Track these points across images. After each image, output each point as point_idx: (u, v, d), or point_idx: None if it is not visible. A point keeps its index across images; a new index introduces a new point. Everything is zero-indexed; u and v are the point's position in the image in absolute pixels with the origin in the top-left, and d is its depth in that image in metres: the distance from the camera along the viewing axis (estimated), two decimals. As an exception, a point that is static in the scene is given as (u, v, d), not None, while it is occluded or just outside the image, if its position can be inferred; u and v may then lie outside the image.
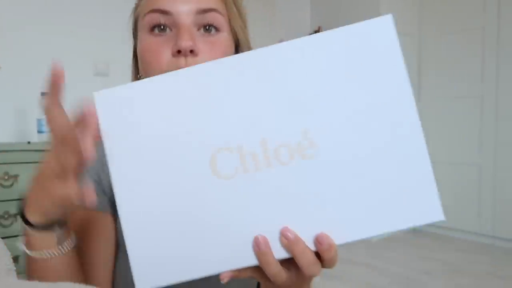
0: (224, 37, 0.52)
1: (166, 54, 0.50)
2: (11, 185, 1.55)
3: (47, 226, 0.41)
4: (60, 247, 0.42)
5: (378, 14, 2.97)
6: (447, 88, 2.99)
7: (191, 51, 0.48)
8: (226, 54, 0.52)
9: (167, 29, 0.51)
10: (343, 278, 2.13)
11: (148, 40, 0.52)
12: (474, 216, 2.82)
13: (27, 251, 0.43)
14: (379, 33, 0.34)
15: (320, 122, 0.32)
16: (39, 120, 1.81)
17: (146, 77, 0.52)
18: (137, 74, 0.61)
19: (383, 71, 0.33)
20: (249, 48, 0.58)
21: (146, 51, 0.52)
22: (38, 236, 0.41)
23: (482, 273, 2.21)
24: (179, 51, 0.48)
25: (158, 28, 0.51)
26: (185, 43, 0.48)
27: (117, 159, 0.34)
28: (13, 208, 1.56)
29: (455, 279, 2.12)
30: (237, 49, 0.56)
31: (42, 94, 1.84)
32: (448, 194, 2.98)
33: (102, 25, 2.19)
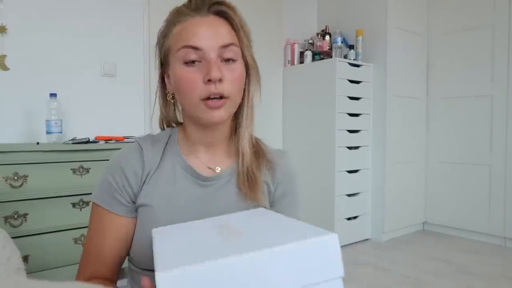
0: (240, 65, 0.69)
1: (199, 83, 0.65)
2: (21, 185, 1.56)
3: None
4: None
5: (385, 13, 2.96)
6: (456, 88, 2.96)
7: (219, 80, 0.64)
8: (241, 78, 0.69)
9: (197, 62, 0.65)
10: (349, 278, 2.12)
11: (183, 71, 0.66)
12: (484, 216, 2.79)
13: None
14: (326, 249, 0.40)
15: None
16: (47, 121, 1.82)
17: (182, 101, 0.69)
18: (165, 95, 0.75)
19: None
20: (256, 69, 0.73)
21: (183, 80, 0.66)
22: None
23: (492, 274, 2.18)
24: (209, 80, 0.63)
25: (190, 61, 0.65)
26: (215, 74, 0.63)
27: None
28: (22, 208, 1.57)
29: (464, 281, 2.09)
30: (247, 71, 0.71)
31: (51, 95, 1.85)
32: (458, 194, 2.95)
33: (110, 26, 2.20)
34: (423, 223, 3.18)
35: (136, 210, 0.71)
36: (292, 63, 3.05)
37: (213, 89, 0.64)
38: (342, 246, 2.66)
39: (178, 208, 0.69)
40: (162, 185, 0.70)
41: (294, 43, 3.04)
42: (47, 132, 1.83)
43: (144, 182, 0.70)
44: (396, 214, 2.89)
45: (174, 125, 0.79)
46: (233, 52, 0.67)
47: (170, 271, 0.35)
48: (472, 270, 2.25)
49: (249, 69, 0.71)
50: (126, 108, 2.28)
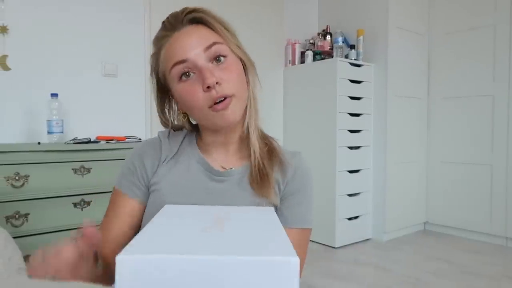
0: (232, 60, 0.68)
1: (200, 93, 0.66)
2: (22, 185, 1.57)
3: None
4: None
5: (386, 13, 2.95)
6: (458, 87, 2.95)
7: (217, 83, 0.64)
8: (238, 73, 0.69)
9: (191, 73, 0.66)
10: (350, 279, 2.11)
11: (181, 87, 0.68)
12: (486, 216, 2.78)
13: None
14: (284, 271, 0.38)
15: None
16: (48, 121, 1.83)
17: (193, 114, 0.72)
18: (163, 106, 0.77)
19: None
20: (250, 60, 0.73)
21: (184, 95, 0.68)
22: None
23: (493, 274, 2.17)
24: (208, 87, 0.64)
25: (184, 75, 0.67)
26: (210, 80, 0.64)
27: None
28: (23, 208, 1.57)
29: (466, 281, 2.09)
30: (243, 64, 0.72)
31: (52, 95, 1.85)
32: (460, 194, 2.94)
33: (111, 26, 2.21)
34: (424, 223, 3.18)
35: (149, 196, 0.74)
36: (293, 63, 3.05)
37: (215, 94, 0.65)
38: (343, 246, 2.68)
39: (188, 198, 0.70)
40: (176, 173, 0.73)
41: (295, 43, 3.04)
42: (48, 132, 1.83)
43: (158, 166, 0.74)
44: (397, 214, 2.89)
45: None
46: (219, 49, 0.67)
47: (130, 256, 0.37)
48: (473, 270, 2.24)
49: (242, 61, 0.72)
50: (127, 108, 2.28)
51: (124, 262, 0.37)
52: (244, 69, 0.72)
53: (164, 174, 0.72)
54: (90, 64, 2.14)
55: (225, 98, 0.66)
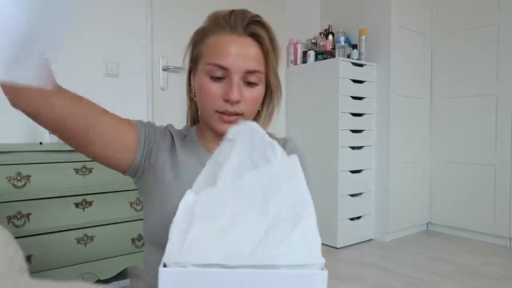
0: (260, 90, 0.72)
1: (218, 98, 0.69)
2: (24, 185, 1.56)
3: None
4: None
5: (389, 13, 2.93)
6: (461, 87, 2.94)
7: (237, 101, 0.69)
8: (258, 100, 0.73)
9: (222, 79, 0.69)
10: (353, 279, 2.10)
11: (207, 83, 0.69)
12: (489, 217, 2.77)
13: None
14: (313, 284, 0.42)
15: None
16: (50, 121, 1.82)
17: (200, 107, 0.74)
18: (190, 87, 0.79)
19: None
20: (279, 89, 0.77)
21: (204, 91, 0.70)
22: None
23: (497, 275, 2.16)
24: (228, 100, 0.68)
25: (217, 78, 0.69)
26: (235, 97, 0.67)
27: None
28: (25, 208, 1.57)
29: (469, 282, 2.07)
30: (266, 92, 0.75)
31: (54, 95, 1.85)
32: (463, 194, 2.93)
33: (113, 26, 2.20)
34: (427, 224, 3.16)
35: (142, 171, 0.73)
36: (295, 62, 3.04)
37: (230, 107, 0.68)
38: (345, 247, 2.67)
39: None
40: (185, 162, 0.74)
41: (297, 43, 3.04)
42: (50, 132, 1.83)
43: (170, 146, 0.75)
44: (400, 215, 2.88)
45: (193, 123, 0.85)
46: (257, 78, 0.70)
47: (174, 267, 0.40)
48: (476, 271, 2.23)
49: (271, 88, 0.76)
50: (129, 108, 2.28)
51: (167, 273, 0.39)
52: (270, 94, 0.77)
53: (174, 161, 0.73)
54: (92, 64, 2.13)
55: (235, 115, 0.70)
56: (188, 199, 0.50)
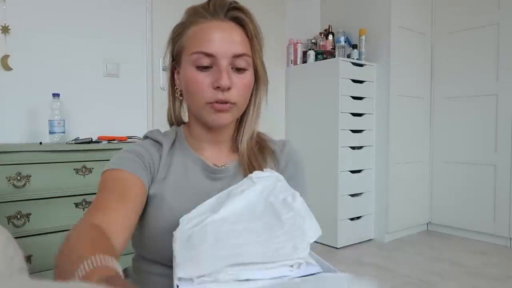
0: (249, 74, 0.70)
1: (208, 87, 0.66)
2: (24, 185, 1.56)
3: None
4: None
5: (389, 12, 2.93)
6: (461, 87, 2.94)
7: (228, 88, 0.65)
8: (250, 86, 0.71)
9: (209, 68, 0.66)
10: (354, 279, 2.10)
11: (194, 75, 0.67)
12: (489, 217, 2.77)
13: None
14: None
15: None
16: (50, 121, 1.82)
17: (189, 101, 0.70)
18: (174, 91, 0.76)
19: None
20: (265, 75, 0.75)
21: (192, 83, 0.67)
22: None
23: (497, 275, 2.16)
24: (218, 87, 0.65)
25: (202, 67, 0.66)
26: (225, 83, 0.64)
27: None
28: (25, 208, 1.57)
29: (469, 281, 2.07)
30: (256, 77, 0.73)
31: (53, 95, 1.85)
32: (463, 194, 2.92)
33: (113, 26, 2.20)
34: (428, 224, 3.16)
35: (146, 201, 0.68)
36: (295, 62, 3.04)
37: (221, 96, 0.66)
38: (345, 247, 2.67)
39: (190, 201, 0.68)
40: (174, 178, 0.70)
41: (297, 43, 3.03)
42: (50, 132, 1.83)
43: (159, 165, 0.70)
44: (400, 215, 2.88)
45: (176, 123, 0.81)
46: (245, 62, 0.68)
47: (191, 284, 0.41)
48: (477, 271, 2.23)
49: (258, 76, 0.73)
50: (129, 108, 2.28)
51: None
52: (256, 82, 0.74)
53: (162, 178, 0.70)
54: (92, 64, 2.13)
55: (227, 103, 0.67)
56: (184, 227, 0.52)
